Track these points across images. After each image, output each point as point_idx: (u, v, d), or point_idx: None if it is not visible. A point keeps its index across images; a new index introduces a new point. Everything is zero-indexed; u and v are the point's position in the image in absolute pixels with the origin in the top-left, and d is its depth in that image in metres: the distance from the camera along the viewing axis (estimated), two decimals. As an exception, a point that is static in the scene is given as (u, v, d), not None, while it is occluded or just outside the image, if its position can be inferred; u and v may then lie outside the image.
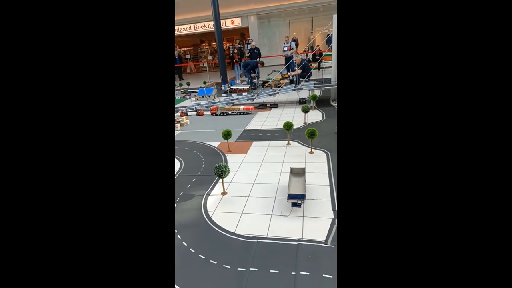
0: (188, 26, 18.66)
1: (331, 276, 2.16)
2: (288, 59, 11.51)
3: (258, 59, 11.56)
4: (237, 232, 2.79)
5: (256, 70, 11.76)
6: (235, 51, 12.85)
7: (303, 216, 2.93)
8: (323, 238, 2.59)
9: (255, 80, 10.44)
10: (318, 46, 12.65)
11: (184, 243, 2.69)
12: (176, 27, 18.94)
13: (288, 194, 3.05)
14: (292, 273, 2.22)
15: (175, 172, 4.26)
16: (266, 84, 9.03)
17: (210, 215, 3.11)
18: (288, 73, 9.85)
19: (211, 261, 2.43)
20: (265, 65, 13.85)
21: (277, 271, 2.25)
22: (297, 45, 12.79)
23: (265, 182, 3.71)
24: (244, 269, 2.30)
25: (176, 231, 2.89)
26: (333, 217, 2.88)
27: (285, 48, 11.39)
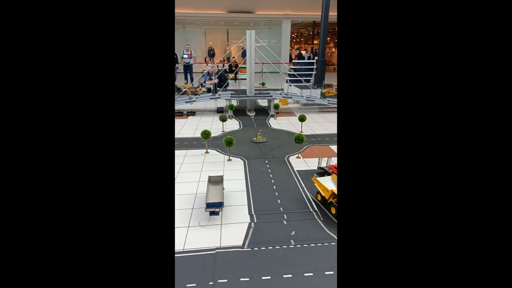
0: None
1: (247, 279, 2.23)
2: (186, 67, 11.47)
3: (176, 66, 11.15)
4: (150, 249, 2.57)
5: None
6: None
7: (221, 224, 2.94)
8: (240, 243, 2.66)
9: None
10: (234, 57, 13.12)
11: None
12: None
13: (206, 203, 3.02)
14: (210, 283, 2.19)
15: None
16: (182, 92, 8.78)
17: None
18: (206, 82, 9.85)
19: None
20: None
21: (194, 284, 2.18)
22: (213, 55, 12.94)
23: (181, 193, 3.57)
24: None
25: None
26: (249, 221, 2.99)
27: (185, 56, 11.25)
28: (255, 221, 3.01)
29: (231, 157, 4.63)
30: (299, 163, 4.49)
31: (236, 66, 11.44)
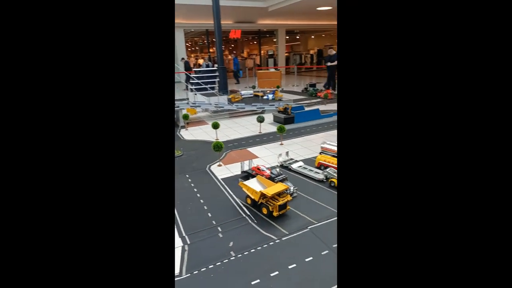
0: None
1: (195, 309, 2.01)
2: None
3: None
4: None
5: None
6: None
7: (149, 257, 2.56)
8: (177, 271, 2.38)
9: None
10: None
11: None
12: None
13: (126, 238, 2.57)
14: (151, 330, 1.86)
15: None
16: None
17: None
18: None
19: None
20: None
21: None
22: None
23: (90, 234, 2.93)
24: None
25: None
26: (182, 245, 2.72)
27: None
28: (189, 242, 2.77)
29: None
30: (222, 171, 4.41)
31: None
